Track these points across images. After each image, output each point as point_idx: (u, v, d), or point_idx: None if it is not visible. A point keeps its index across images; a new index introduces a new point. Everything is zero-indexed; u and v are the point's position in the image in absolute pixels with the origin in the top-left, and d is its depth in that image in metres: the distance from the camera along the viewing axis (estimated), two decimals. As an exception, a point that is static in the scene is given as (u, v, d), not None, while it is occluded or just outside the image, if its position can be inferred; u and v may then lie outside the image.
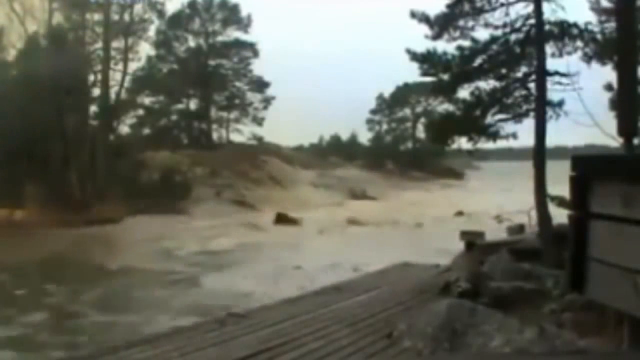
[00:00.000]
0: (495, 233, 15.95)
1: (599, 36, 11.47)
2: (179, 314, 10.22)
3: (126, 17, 30.75)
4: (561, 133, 12.91)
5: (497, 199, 30.58)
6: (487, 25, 11.83)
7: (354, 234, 22.45)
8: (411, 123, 54.83)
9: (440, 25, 11.99)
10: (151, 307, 11.08)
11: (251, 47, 44.30)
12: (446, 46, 12.09)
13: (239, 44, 44.38)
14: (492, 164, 54.15)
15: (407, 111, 54.90)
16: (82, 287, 12.79)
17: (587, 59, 11.49)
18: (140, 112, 40.47)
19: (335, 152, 50.91)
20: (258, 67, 45.05)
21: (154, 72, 40.95)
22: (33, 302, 11.32)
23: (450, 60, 11.98)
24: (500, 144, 12.68)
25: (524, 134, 12.15)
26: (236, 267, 15.50)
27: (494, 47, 11.79)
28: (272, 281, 13.13)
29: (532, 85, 11.47)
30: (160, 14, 33.89)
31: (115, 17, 30.22)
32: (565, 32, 11.34)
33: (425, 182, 47.39)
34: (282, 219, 25.38)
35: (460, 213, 28.56)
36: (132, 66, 33.07)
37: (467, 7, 11.83)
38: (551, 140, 11.33)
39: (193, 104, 44.07)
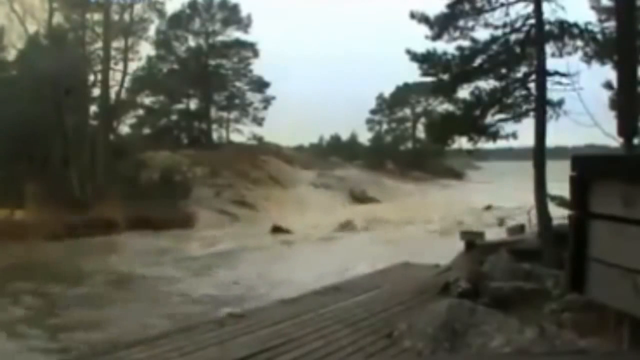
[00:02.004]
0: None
1: (599, 36, 11.48)
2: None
3: (126, 17, 30.73)
4: (561, 133, 12.94)
5: (499, 199, 30.53)
6: (487, 25, 11.85)
7: (367, 253, 17.49)
8: (411, 123, 54.82)
9: (440, 25, 12.00)
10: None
11: (251, 47, 44.29)
12: (446, 46, 12.12)
13: (239, 44, 44.36)
14: (492, 164, 54.16)
15: (407, 111, 54.89)
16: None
17: (587, 59, 11.51)
18: (140, 112, 40.50)
19: (335, 152, 50.86)
20: (258, 67, 45.13)
21: (154, 72, 40.93)
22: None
23: (450, 60, 11.99)
24: (500, 144, 12.71)
25: (524, 134, 12.19)
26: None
27: (494, 47, 11.80)
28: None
29: (532, 85, 11.48)
30: (160, 14, 33.86)
31: (115, 17, 30.19)
32: (565, 32, 11.35)
33: (426, 182, 47.38)
34: (278, 231, 24.43)
35: (489, 207, 29.00)
36: (132, 66, 33.07)
37: (467, 7, 11.84)
38: (551, 140, 11.36)
39: (193, 104, 44.10)
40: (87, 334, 9.43)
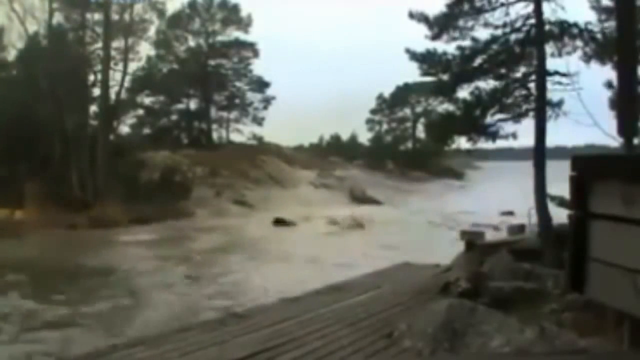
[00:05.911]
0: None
1: (599, 36, 11.47)
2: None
3: (126, 17, 30.72)
4: (561, 133, 12.91)
5: (499, 198, 30.24)
6: (487, 25, 11.85)
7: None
8: (411, 123, 54.83)
9: (440, 25, 12.00)
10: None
11: (251, 47, 44.32)
12: (446, 46, 12.12)
13: (239, 44, 44.38)
14: (492, 164, 54.10)
15: (407, 111, 54.90)
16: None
17: (587, 58, 11.50)
18: (140, 112, 40.53)
19: (335, 152, 50.85)
20: (258, 67, 45.16)
21: (154, 72, 40.93)
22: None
23: (450, 60, 11.99)
24: (500, 143, 12.71)
25: (524, 134, 12.18)
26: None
27: (494, 47, 11.80)
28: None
29: (532, 85, 11.48)
30: (160, 14, 33.87)
31: (115, 17, 30.19)
32: (565, 32, 11.35)
33: (425, 182, 47.36)
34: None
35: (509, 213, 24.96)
36: (132, 66, 33.12)
37: (467, 7, 11.83)
38: (551, 140, 11.36)
39: (193, 104, 44.13)
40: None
